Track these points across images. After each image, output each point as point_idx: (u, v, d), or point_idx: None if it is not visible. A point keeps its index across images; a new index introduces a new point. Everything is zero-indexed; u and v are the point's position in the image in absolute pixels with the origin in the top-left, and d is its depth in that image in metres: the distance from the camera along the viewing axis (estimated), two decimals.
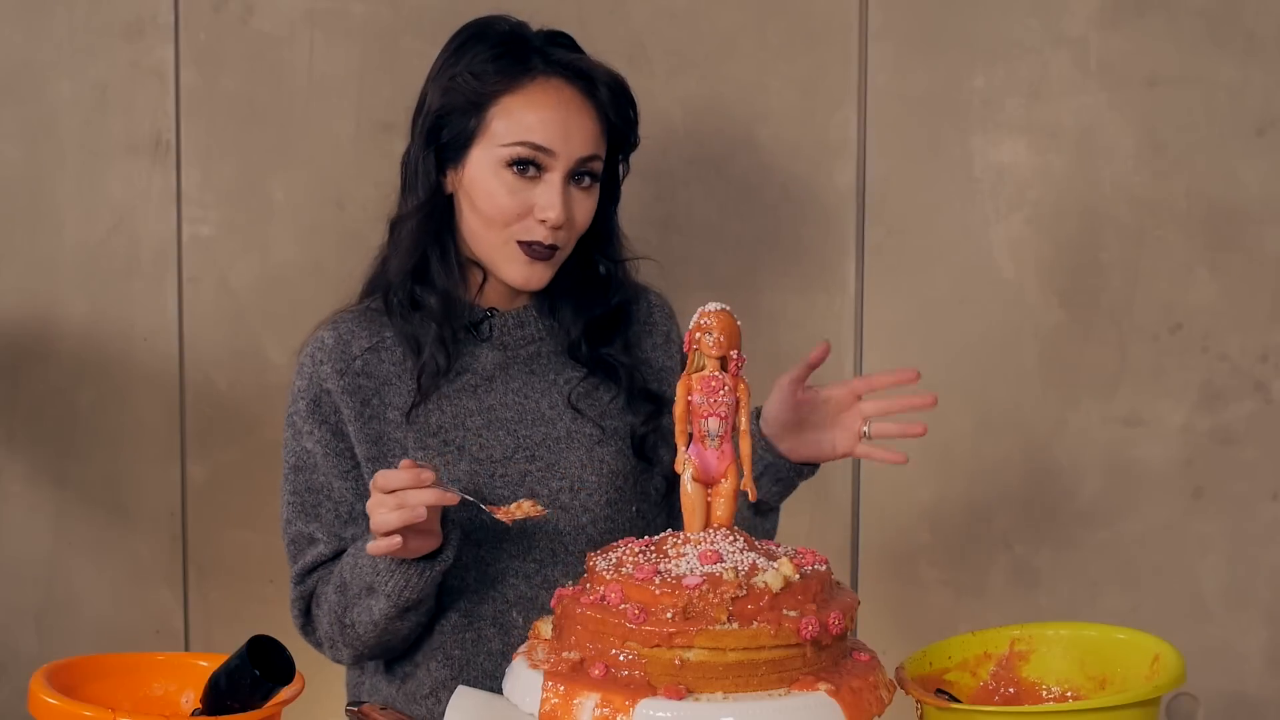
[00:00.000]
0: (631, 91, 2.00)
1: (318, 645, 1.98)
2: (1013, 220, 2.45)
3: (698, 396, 1.63)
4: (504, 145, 1.91)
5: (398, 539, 1.76)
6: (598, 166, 1.95)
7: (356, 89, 2.48)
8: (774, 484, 1.97)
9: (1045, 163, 2.44)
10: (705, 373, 1.63)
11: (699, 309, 1.65)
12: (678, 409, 1.64)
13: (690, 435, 1.64)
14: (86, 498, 2.53)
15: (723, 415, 1.63)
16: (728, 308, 1.64)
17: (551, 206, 1.90)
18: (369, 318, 1.99)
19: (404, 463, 1.77)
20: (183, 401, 2.52)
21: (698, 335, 1.63)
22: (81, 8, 2.47)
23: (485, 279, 1.99)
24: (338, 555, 1.94)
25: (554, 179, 1.91)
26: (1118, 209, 2.44)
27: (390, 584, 1.83)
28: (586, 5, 2.41)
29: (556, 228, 1.91)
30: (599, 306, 2.02)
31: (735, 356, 1.63)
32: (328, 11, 2.47)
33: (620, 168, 2.03)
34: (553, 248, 1.93)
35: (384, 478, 1.75)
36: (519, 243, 1.92)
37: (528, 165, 1.91)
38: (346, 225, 2.48)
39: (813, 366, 1.93)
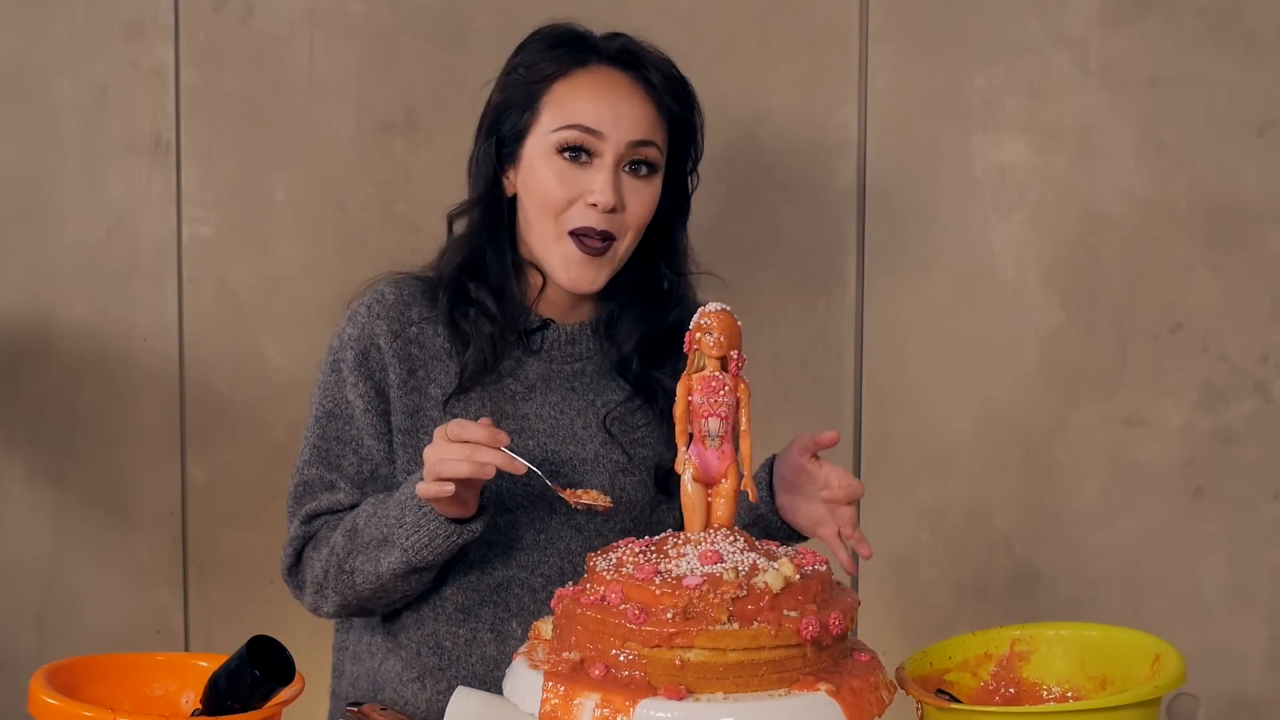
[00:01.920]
0: (694, 95, 1.98)
1: (298, 589, 1.95)
2: (1013, 220, 2.45)
3: (698, 396, 1.63)
4: (554, 131, 1.90)
5: (451, 486, 1.74)
6: (653, 154, 1.93)
7: (356, 89, 2.48)
8: (762, 534, 1.96)
9: (1045, 163, 2.44)
10: (705, 373, 1.63)
11: (699, 309, 1.65)
12: (678, 409, 1.64)
13: (690, 435, 1.64)
14: (86, 498, 2.53)
15: (723, 415, 1.63)
16: (728, 308, 1.64)
17: (601, 190, 1.89)
18: (432, 289, 1.98)
19: (484, 420, 1.76)
20: (183, 402, 2.52)
21: (698, 335, 1.63)
22: (81, 8, 2.47)
23: (544, 285, 1.98)
24: (353, 508, 1.92)
25: (604, 163, 1.90)
26: (1118, 209, 2.44)
27: (412, 539, 1.81)
28: (586, 5, 2.41)
29: (608, 211, 1.90)
30: (656, 321, 2.01)
31: (735, 356, 1.63)
32: (328, 11, 2.47)
33: (690, 179, 2.02)
34: (606, 238, 1.91)
35: (460, 427, 1.74)
36: (571, 234, 1.91)
37: (579, 151, 1.90)
38: (346, 225, 2.48)
39: (821, 446, 1.91)
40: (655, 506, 2.00)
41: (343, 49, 2.47)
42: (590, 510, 1.84)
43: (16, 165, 2.50)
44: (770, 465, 1.98)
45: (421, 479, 1.78)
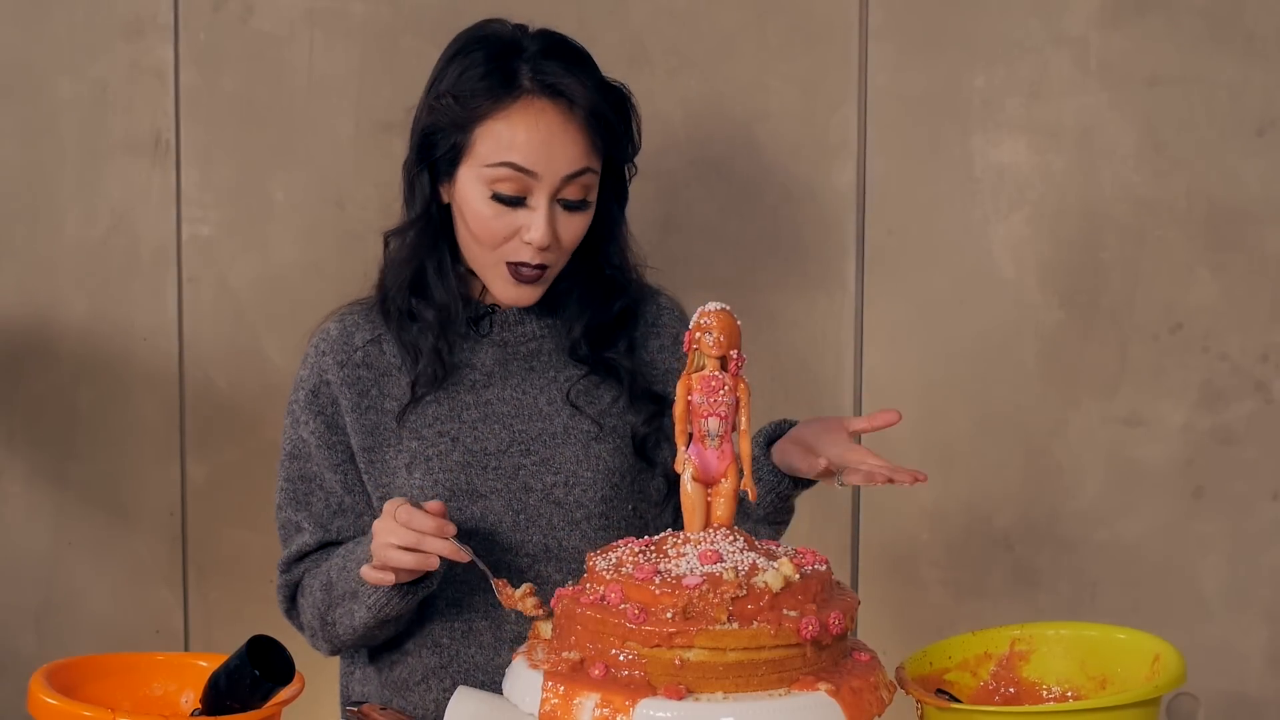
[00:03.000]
0: (627, 103, 1.97)
1: (299, 630, 2.00)
2: (1013, 220, 2.45)
3: (698, 396, 1.63)
4: (487, 166, 1.90)
5: (392, 576, 1.79)
6: (587, 181, 1.93)
7: (356, 89, 2.48)
8: (777, 499, 1.97)
9: (1045, 162, 2.44)
10: (705, 372, 1.63)
11: (699, 309, 1.65)
12: (678, 409, 1.64)
13: (690, 435, 1.64)
14: (86, 498, 2.53)
15: (723, 415, 1.63)
16: (728, 308, 1.64)
17: (536, 228, 1.89)
18: (376, 311, 2.01)
19: (432, 505, 1.78)
20: (183, 401, 2.52)
21: (698, 335, 1.63)
22: (81, 8, 2.47)
23: (487, 286, 2.00)
24: (322, 545, 1.97)
25: (539, 202, 1.90)
26: (1118, 209, 2.44)
27: (372, 598, 1.85)
28: (586, 5, 2.41)
29: (543, 248, 1.91)
30: (601, 310, 2.02)
31: (735, 356, 1.63)
32: (328, 11, 2.47)
33: (626, 168, 2.02)
34: (541, 268, 1.93)
35: (409, 515, 1.76)
36: (508, 264, 1.93)
37: (512, 199, 1.90)
38: (346, 225, 2.48)
39: (877, 428, 1.88)
40: (637, 474, 2.00)
41: (343, 49, 2.47)
42: (521, 615, 1.78)
43: (16, 165, 2.50)
44: (774, 428, 1.97)
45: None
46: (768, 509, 1.98)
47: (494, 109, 1.90)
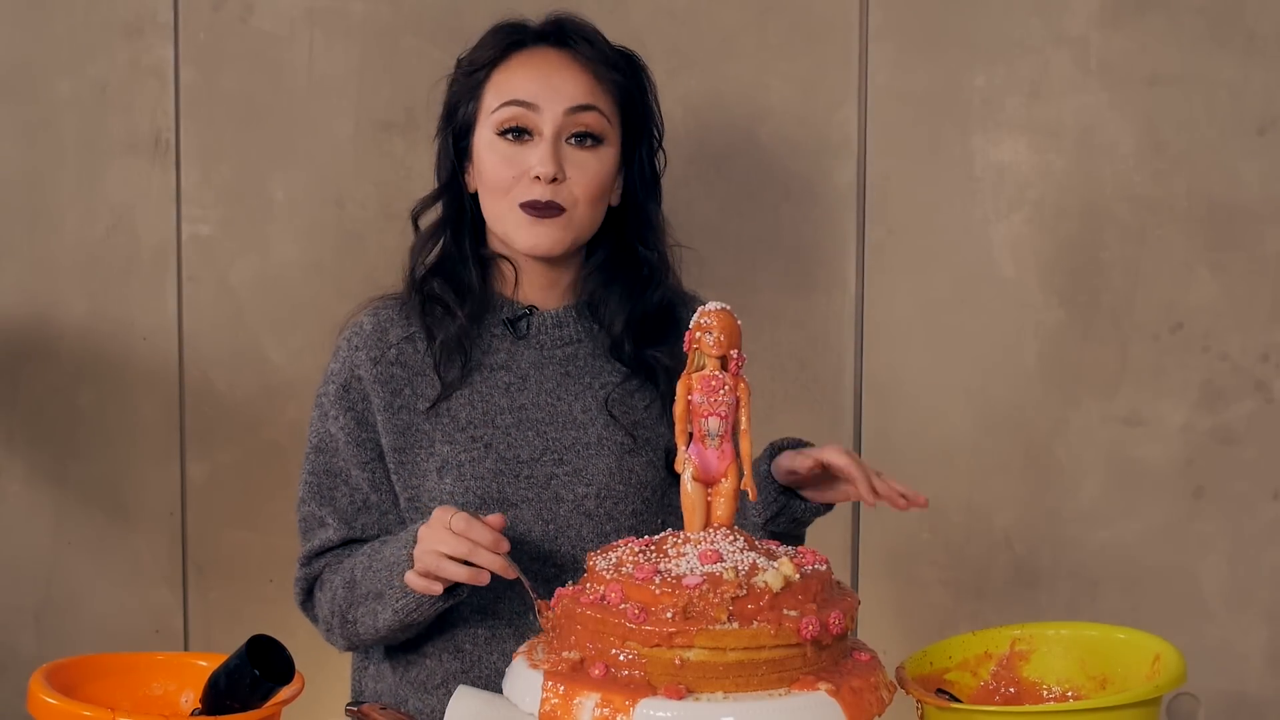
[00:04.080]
0: (641, 70, 2.01)
1: (313, 622, 1.99)
2: (1013, 219, 2.45)
3: (698, 396, 1.63)
4: (493, 111, 1.94)
5: (440, 587, 1.78)
6: (594, 120, 1.94)
7: (356, 89, 2.47)
8: (789, 522, 1.97)
9: (1046, 162, 2.44)
10: (705, 372, 1.63)
11: (699, 308, 1.65)
12: (678, 408, 1.64)
13: (690, 435, 1.64)
14: (86, 498, 2.53)
15: (723, 415, 1.63)
16: (728, 307, 1.64)
17: (541, 161, 1.91)
18: (409, 307, 2.00)
19: (493, 519, 1.76)
20: (182, 401, 2.52)
21: (698, 335, 1.63)
22: (81, 7, 2.47)
23: (518, 276, 1.99)
24: (345, 542, 1.96)
25: (544, 137, 1.92)
26: (1118, 208, 2.44)
27: (401, 602, 1.83)
28: (586, 5, 2.41)
29: (551, 182, 1.91)
30: (641, 302, 2.01)
31: (735, 356, 1.63)
32: (328, 11, 2.47)
33: (657, 157, 2.04)
34: (554, 206, 1.92)
35: (466, 525, 1.74)
36: (520, 205, 1.93)
37: (520, 131, 1.93)
38: (346, 225, 2.48)
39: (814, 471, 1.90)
40: (666, 489, 1.99)
41: (342, 48, 2.47)
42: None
43: (16, 165, 2.49)
44: (770, 454, 1.96)
45: (417, 534, 1.79)
46: (777, 526, 1.98)
47: (500, 58, 1.96)
